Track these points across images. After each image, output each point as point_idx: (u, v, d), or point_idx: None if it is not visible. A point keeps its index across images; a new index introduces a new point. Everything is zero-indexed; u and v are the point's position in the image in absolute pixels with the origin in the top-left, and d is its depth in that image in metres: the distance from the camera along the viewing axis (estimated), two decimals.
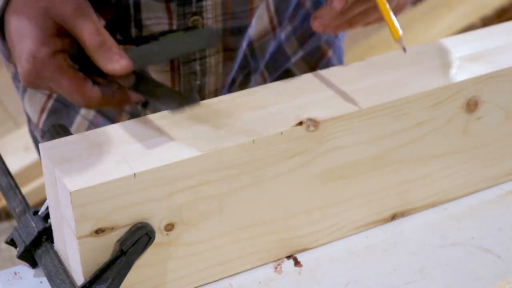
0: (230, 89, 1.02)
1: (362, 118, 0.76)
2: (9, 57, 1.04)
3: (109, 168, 0.68)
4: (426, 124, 0.80)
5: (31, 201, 2.13)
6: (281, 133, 0.73)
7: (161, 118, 0.75)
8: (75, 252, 0.69)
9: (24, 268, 0.77)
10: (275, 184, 0.75)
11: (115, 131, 0.73)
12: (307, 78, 0.81)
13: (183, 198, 0.70)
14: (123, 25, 0.93)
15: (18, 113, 2.65)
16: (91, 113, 1.01)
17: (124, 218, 0.68)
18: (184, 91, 0.98)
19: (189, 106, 0.75)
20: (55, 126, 0.78)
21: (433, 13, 2.37)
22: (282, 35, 1.04)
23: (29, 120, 1.07)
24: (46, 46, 0.77)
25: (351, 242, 0.81)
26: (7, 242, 0.77)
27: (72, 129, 1.01)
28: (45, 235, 0.75)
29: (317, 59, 1.07)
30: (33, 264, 0.76)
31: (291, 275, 0.77)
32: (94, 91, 0.78)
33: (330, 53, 1.08)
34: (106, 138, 0.71)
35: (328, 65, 1.07)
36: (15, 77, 1.06)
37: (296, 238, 0.79)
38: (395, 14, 0.80)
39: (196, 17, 0.92)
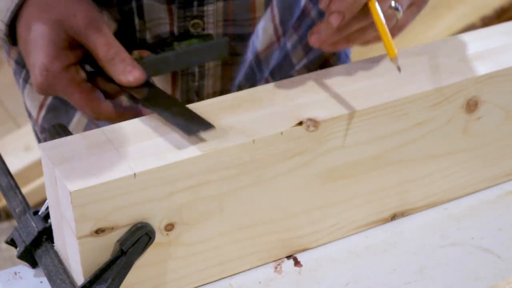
0: None
1: (362, 118, 0.76)
2: (10, 52, 1.04)
3: (109, 168, 0.68)
4: (426, 124, 0.80)
5: (31, 201, 2.13)
6: (281, 133, 0.73)
7: (160, 118, 0.75)
8: (75, 252, 0.69)
9: (24, 268, 0.77)
10: (275, 184, 0.75)
11: (115, 131, 0.73)
12: (307, 78, 0.81)
13: (183, 198, 0.70)
14: (128, 29, 0.93)
15: (18, 113, 2.65)
16: None
17: (124, 218, 0.68)
18: (182, 92, 0.98)
19: (204, 131, 0.71)
20: (55, 126, 0.78)
21: (433, 13, 2.37)
22: (288, 44, 1.05)
23: (30, 115, 1.08)
24: (59, 60, 0.77)
25: (351, 242, 0.81)
26: (7, 242, 0.77)
27: (71, 127, 1.02)
28: (45, 235, 0.75)
29: (319, 66, 1.07)
30: (33, 264, 0.76)
31: (291, 275, 0.77)
32: (105, 106, 0.79)
33: (333, 59, 1.08)
34: (106, 138, 0.71)
35: None
36: (16, 73, 1.06)
37: (296, 238, 0.79)
38: (395, 34, 0.79)
39: (196, 21, 0.93)
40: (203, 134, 0.71)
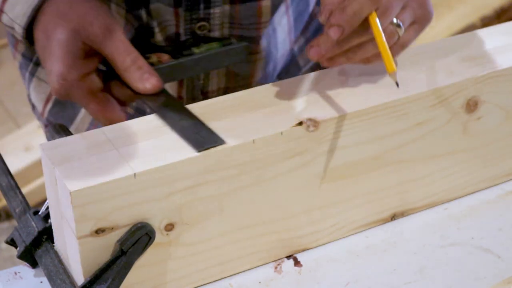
0: None
1: (362, 118, 0.76)
2: (17, 46, 1.05)
3: (109, 168, 0.68)
4: (426, 124, 0.80)
5: (31, 201, 2.13)
6: (281, 133, 0.73)
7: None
8: (75, 252, 0.69)
9: (24, 268, 0.77)
10: (275, 184, 0.75)
11: (115, 131, 0.73)
12: (307, 78, 0.81)
13: (183, 198, 0.70)
14: (145, 34, 0.93)
15: (18, 113, 2.65)
16: None
17: (124, 218, 0.68)
18: (187, 90, 0.98)
19: (214, 146, 0.70)
20: (55, 126, 0.78)
21: (433, 13, 2.37)
22: (295, 47, 1.05)
23: (34, 108, 1.08)
24: (75, 69, 0.78)
25: (351, 242, 0.81)
26: (7, 242, 0.77)
27: (76, 121, 1.02)
28: (45, 235, 0.75)
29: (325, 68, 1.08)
30: (33, 264, 0.76)
31: (291, 275, 0.77)
32: (119, 115, 0.80)
33: None
34: (106, 138, 0.71)
35: None
36: (22, 66, 1.07)
37: (296, 238, 0.79)
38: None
39: (203, 23, 0.93)
40: (212, 150, 0.70)
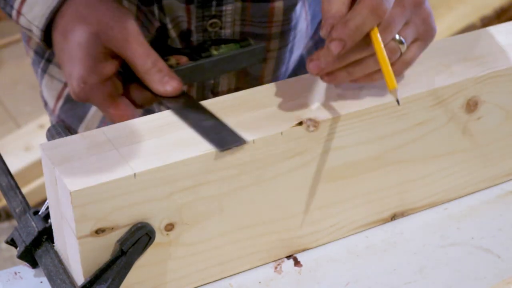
0: None
1: (362, 118, 0.76)
2: (30, 42, 1.05)
3: (109, 168, 0.68)
4: (426, 124, 0.80)
5: (31, 201, 2.13)
6: (281, 133, 0.73)
7: (161, 118, 0.75)
8: (75, 252, 0.69)
9: (24, 268, 0.77)
10: (275, 184, 0.75)
11: (115, 131, 0.73)
12: (307, 78, 0.81)
13: (183, 198, 0.70)
14: (163, 36, 0.94)
15: (18, 113, 2.65)
16: None
17: (124, 218, 0.68)
18: (197, 90, 0.98)
19: (236, 146, 0.70)
20: (55, 126, 0.78)
21: (433, 13, 2.37)
22: (305, 50, 1.06)
23: (46, 105, 1.08)
24: (96, 73, 0.78)
25: (351, 242, 0.81)
26: (7, 242, 0.77)
27: (86, 119, 1.03)
28: (45, 235, 0.75)
29: None
30: (33, 264, 0.76)
31: (291, 275, 0.77)
32: None
33: None
34: (106, 138, 0.71)
35: None
36: (34, 63, 1.07)
37: (296, 238, 0.79)
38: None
39: (214, 20, 0.93)
40: (234, 149, 0.70)
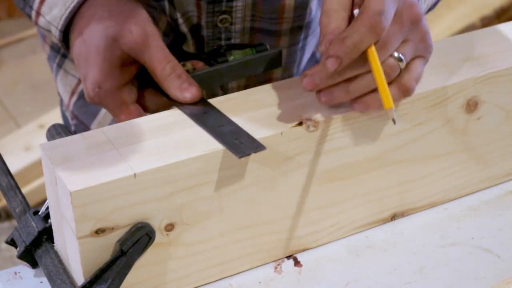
0: None
1: (362, 118, 0.76)
2: (45, 36, 1.05)
3: (109, 168, 0.68)
4: (426, 124, 0.80)
5: (31, 201, 2.13)
6: (281, 133, 0.73)
7: (161, 118, 0.75)
8: (75, 252, 0.69)
9: (24, 268, 0.77)
10: (275, 184, 0.75)
11: (115, 131, 0.73)
12: None
13: (183, 198, 0.70)
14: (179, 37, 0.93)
15: (18, 113, 2.65)
16: None
17: (124, 218, 0.68)
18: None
19: (255, 152, 0.70)
20: (55, 126, 0.78)
21: (433, 13, 2.37)
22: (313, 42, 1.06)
23: (61, 100, 1.09)
24: (112, 78, 0.77)
25: (351, 242, 0.81)
26: (7, 242, 0.77)
27: (99, 116, 1.03)
28: (45, 235, 0.75)
29: None
30: (33, 264, 0.77)
31: (291, 275, 0.77)
32: None
33: None
34: (106, 138, 0.72)
35: None
36: (50, 58, 1.07)
37: (296, 238, 0.79)
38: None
39: (225, 16, 0.93)
40: (254, 155, 0.70)
